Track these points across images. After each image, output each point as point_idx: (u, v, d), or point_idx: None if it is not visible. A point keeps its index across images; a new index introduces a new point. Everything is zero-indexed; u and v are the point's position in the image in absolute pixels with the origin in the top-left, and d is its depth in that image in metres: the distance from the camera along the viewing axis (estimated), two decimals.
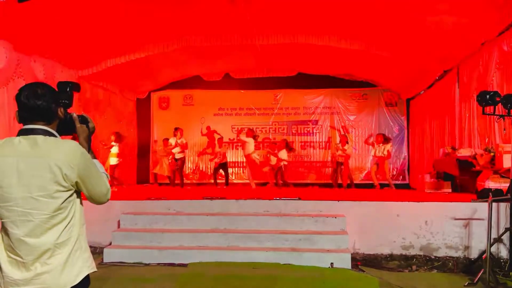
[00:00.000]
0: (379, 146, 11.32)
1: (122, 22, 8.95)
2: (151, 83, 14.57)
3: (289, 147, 12.12)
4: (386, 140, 11.40)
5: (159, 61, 11.86)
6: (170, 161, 12.12)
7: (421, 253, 6.42)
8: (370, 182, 13.98)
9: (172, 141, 11.79)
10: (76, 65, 10.82)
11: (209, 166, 14.61)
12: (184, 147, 11.79)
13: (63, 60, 10.26)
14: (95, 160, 2.13)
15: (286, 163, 11.89)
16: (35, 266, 1.93)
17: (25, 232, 1.91)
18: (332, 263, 5.93)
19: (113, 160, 11.23)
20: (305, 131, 14.87)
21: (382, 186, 11.58)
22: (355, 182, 14.19)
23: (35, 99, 1.97)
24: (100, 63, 10.96)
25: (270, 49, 11.69)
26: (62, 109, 2.09)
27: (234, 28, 9.88)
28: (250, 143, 11.55)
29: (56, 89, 2.09)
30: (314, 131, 14.83)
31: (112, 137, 11.29)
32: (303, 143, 14.82)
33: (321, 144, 14.74)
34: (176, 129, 11.78)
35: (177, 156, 11.68)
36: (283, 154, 11.84)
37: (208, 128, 14.58)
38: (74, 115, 2.16)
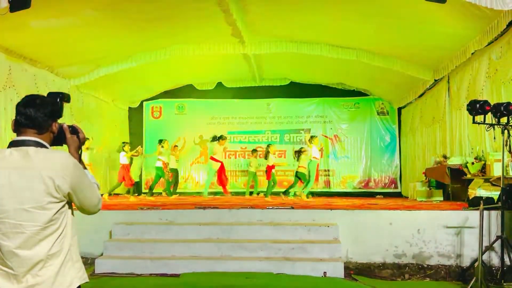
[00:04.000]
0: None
1: (114, 32, 8.96)
2: (143, 92, 14.55)
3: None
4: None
5: (152, 70, 11.86)
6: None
7: (414, 262, 6.43)
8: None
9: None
10: (68, 74, 10.79)
11: (201, 175, 14.60)
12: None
13: (54, 70, 10.23)
14: (86, 171, 2.12)
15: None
16: (26, 278, 1.91)
17: (16, 244, 1.90)
18: (325, 272, 5.92)
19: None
20: (298, 140, 14.88)
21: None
22: (347, 190, 14.32)
23: (31, 107, 2.00)
24: (92, 72, 10.94)
25: (263, 58, 11.75)
26: (56, 124, 2.10)
27: (227, 37, 9.92)
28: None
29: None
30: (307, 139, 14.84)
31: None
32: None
33: None
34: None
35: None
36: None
37: (201, 137, 14.56)
38: (65, 125, 2.15)
